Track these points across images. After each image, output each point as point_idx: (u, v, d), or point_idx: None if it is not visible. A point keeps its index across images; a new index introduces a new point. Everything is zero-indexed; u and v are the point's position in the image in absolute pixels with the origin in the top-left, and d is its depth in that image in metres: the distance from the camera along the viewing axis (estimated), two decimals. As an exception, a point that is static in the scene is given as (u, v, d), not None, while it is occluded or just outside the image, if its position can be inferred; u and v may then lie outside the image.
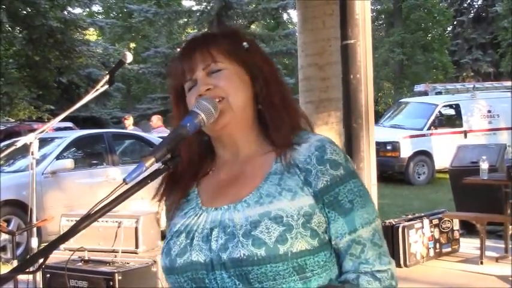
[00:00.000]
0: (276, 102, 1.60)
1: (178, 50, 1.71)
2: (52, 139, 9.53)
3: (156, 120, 14.29)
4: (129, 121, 14.69)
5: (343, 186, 1.52)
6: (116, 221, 5.02)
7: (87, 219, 1.40)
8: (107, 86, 3.94)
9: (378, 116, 20.31)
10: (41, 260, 1.47)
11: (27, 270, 1.46)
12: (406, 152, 15.73)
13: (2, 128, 17.51)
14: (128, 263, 4.79)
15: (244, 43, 1.63)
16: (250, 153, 1.61)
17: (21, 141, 4.28)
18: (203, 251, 1.51)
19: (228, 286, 1.49)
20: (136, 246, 5.00)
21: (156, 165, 1.46)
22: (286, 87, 1.67)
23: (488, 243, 7.51)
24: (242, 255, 1.46)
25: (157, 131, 13.41)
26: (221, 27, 1.78)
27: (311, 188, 1.52)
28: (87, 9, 34.36)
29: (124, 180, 1.40)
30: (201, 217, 1.57)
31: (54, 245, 1.41)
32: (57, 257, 4.70)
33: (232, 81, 1.58)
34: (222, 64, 1.59)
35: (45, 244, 1.55)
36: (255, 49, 1.66)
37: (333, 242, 1.53)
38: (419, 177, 15.91)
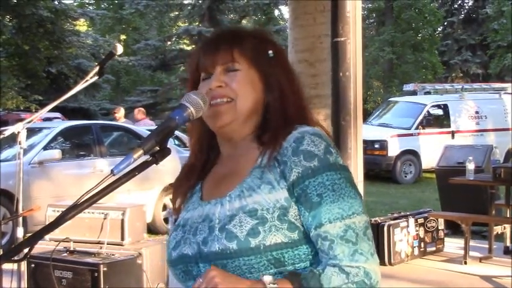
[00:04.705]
0: (290, 115, 1.59)
1: (204, 39, 1.70)
2: (40, 129, 9.47)
3: (137, 113, 14.29)
4: (119, 114, 13.87)
5: (314, 179, 1.47)
6: (102, 213, 5.02)
7: (73, 209, 1.40)
8: (96, 78, 3.93)
9: (367, 115, 20.35)
10: (27, 249, 1.48)
11: (12, 258, 1.46)
12: (393, 150, 15.79)
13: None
14: (113, 255, 4.79)
15: (270, 51, 1.62)
16: (243, 150, 1.63)
17: (8, 130, 4.26)
18: (191, 244, 1.56)
19: None
20: (122, 238, 5.00)
21: (144, 157, 1.46)
22: (303, 100, 1.65)
23: (473, 243, 7.57)
24: (217, 249, 1.49)
25: (142, 124, 13.35)
26: (253, 28, 1.74)
27: (285, 181, 1.50)
28: (78, 0, 34.27)
29: (112, 171, 1.41)
30: (196, 211, 1.61)
31: (40, 234, 1.42)
32: (42, 247, 4.69)
33: (245, 85, 1.59)
34: (240, 65, 1.59)
35: (31, 234, 1.55)
36: (279, 59, 1.64)
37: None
38: (406, 176, 15.97)
